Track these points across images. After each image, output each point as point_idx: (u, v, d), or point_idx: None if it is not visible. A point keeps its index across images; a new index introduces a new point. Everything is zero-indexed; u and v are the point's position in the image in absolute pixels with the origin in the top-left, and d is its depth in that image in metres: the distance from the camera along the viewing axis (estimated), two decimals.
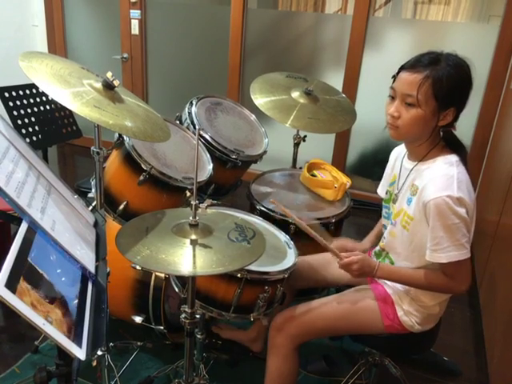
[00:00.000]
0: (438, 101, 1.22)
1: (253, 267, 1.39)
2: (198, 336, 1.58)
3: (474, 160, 3.04)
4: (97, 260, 1.05)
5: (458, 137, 1.34)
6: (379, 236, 1.64)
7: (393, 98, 1.29)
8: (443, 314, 1.47)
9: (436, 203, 1.21)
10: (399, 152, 1.51)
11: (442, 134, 1.31)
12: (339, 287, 1.67)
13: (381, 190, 1.60)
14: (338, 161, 3.49)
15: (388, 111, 1.29)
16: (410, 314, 1.41)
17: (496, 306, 2.06)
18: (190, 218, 1.19)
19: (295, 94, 2.15)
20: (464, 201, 1.21)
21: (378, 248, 1.55)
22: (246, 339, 1.92)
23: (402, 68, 1.28)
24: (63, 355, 0.89)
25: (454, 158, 1.29)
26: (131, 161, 1.66)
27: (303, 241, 1.69)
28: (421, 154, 1.34)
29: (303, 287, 1.79)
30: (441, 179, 1.24)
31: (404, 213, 1.36)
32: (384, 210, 1.52)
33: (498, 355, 1.88)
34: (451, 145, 1.33)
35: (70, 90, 1.26)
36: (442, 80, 1.21)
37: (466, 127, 1.35)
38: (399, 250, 1.42)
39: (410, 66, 1.25)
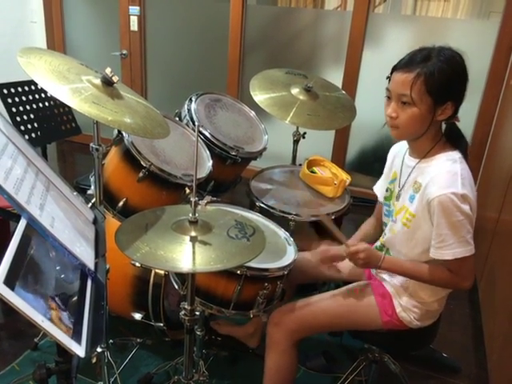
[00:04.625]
0: (433, 97, 1.22)
1: (252, 264, 1.39)
2: (198, 333, 1.59)
3: (473, 157, 3.03)
4: (96, 257, 1.04)
5: (460, 129, 1.34)
6: (364, 239, 1.63)
7: (389, 98, 1.29)
8: (442, 310, 1.47)
9: (441, 200, 1.21)
10: (398, 149, 1.51)
11: (445, 125, 1.31)
12: (338, 283, 1.67)
13: (377, 188, 1.60)
14: (338, 157, 3.48)
15: (386, 112, 1.30)
16: (408, 310, 1.41)
17: (495, 302, 2.07)
18: (190, 214, 1.19)
19: (295, 91, 2.15)
20: (468, 197, 1.22)
21: (378, 243, 1.55)
22: (243, 335, 1.93)
23: (395, 68, 1.28)
24: (63, 352, 0.89)
25: (457, 155, 1.29)
26: (130, 157, 1.65)
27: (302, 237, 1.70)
28: (423, 151, 1.34)
29: (302, 282, 1.79)
30: (445, 176, 1.24)
31: (406, 210, 1.36)
32: (384, 208, 1.51)
33: (497, 351, 1.89)
34: (453, 138, 1.33)
35: (69, 86, 1.25)
36: (434, 75, 1.20)
37: (465, 124, 1.35)
38: (398, 247, 1.43)
39: (402, 65, 1.25)
